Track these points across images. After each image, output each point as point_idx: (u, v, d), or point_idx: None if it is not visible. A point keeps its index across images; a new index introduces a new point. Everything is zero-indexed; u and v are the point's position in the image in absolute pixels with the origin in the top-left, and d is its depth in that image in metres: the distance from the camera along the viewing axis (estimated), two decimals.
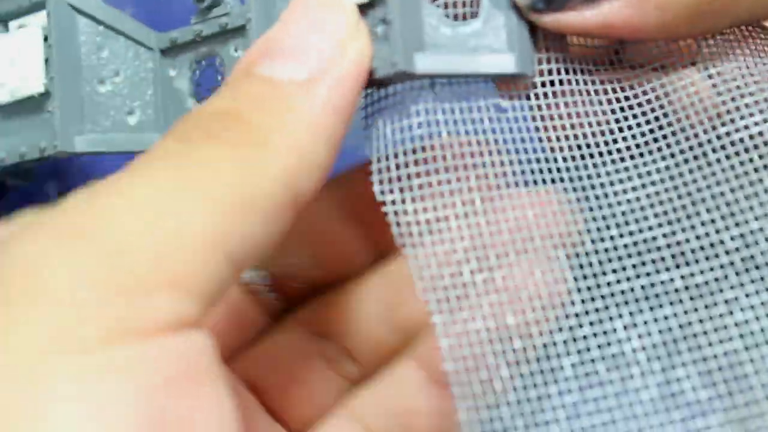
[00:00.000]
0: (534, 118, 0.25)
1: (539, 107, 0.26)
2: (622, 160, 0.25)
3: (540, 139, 0.26)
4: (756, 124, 0.24)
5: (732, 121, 0.25)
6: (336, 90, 0.22)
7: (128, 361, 0.17)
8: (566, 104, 0.26)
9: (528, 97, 0.26)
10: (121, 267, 0.18)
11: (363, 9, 0.24)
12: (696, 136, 0.25)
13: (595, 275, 0.24)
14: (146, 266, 0.18)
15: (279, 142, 0.21)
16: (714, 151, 0.25)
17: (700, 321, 0.23)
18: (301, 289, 0.29)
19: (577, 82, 0.26)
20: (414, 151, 0.24)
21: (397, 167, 0.24)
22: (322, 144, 0.22)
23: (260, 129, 0.21)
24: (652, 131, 0.26)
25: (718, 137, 0.25)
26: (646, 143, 0.25)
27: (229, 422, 0.19)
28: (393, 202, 0.24)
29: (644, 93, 0.26)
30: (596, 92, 0.26)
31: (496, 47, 0.25)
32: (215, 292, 0.19)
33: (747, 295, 0.23)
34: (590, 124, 0.26)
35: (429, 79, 0.25)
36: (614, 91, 0.26)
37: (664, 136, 0.25)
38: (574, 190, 0.25)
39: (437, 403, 0.27)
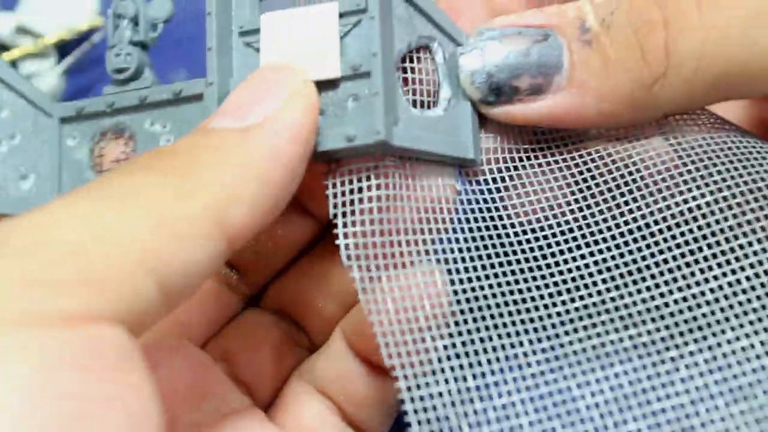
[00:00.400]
0: (488, 199, 0.28)
1: (490, 191, 0.28)
2: (571, 231, 0.27)
3: (492, 218, 0.28)
4: (694, 198, 0.27)
5: (672, 195, 0.27)
6: (274, 137, 0.24)
7: (27, 341, 0.19)
8: (521, 185, 0.28)
9: (478, 182, 0.28)
10: (40, 266, 0.20)
11: (334, 83, 0.26)
12: (639, 209, 0.27)
13: (549, 338, 0.26)
14: (63, 267, 0.20)
15: (208, 175, 0.23)
16: (656, 223, 0.27)
17: (648, 378, 0.25)
18: (268, 272, 0.32)
19: (531, 166, 0.28)
20: (381, 221, 0.26)
21: (364, 234, 0.26)
22: (255, 182, 0.23)
23: (192, 163, 0.23)
24: (597, 204, 0.28)
25: (660, 210, 0.27)
26: (592, 215, 0.28)
27: (139, 409, 0.20)
28: (359, 268, 0.25)
29: (603, 164, 0.28)
30: (551, 171, 0.28)
31: (456, 133, 0.28)
32: (135, 301, 0.20)
33: (691, 353, 0.25)
34: (542, 200, 0.28)
35: (398, 154, 0.27)
36: (567, 168, 0.28)
37: (609, 209, 0.27)
38: (526, 261, 0.27)
39: (362, 370, 0.29)
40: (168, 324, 0.29)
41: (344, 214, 0.26)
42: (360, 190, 0.26)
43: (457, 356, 0.25)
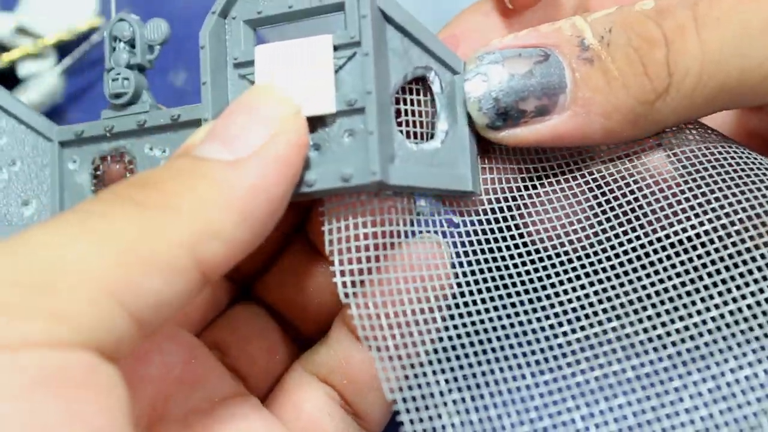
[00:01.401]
0: (486, 230, 0.28)
1: (488, 222, 0.28)
2: (570, 261, 0.27)
3: (491, 249, 0.28)
4: (693, 227, 0.26)
5: (672, 224, 0.27)
6: (260, 174, 0.23)
7: None
8: (519, 216, 0.28)
9: (477, 213, 0.28)
10: (6, 293, 0.20)
11: (330, 118, 0.25)
12: (639, 238, 0.27)
13: (551, 369, 0.25)
14: (30, 296, 0.20)
15: (187, 209, 0.22)
16: (655, 252, 0.27)
17: (653, 408, 0.25)
18: (256, 264, 0.32)
19: (530, 196, 0.28)
20: (377, 259, 0.26)
21: (360, 273, 0.26)
22: (235, 219, 0.23)
23: (171, 195, 0.23)
24: (596, 234, 0.28)
25: (659, 240, 0.27)
26: (591, 245, 0.28)
27: (105, 425, 0.20)
28: (357, 306, 0.25)
29: (606, 185, 0.28)
30: (548, 201, 0.29)
31: (454, 165, 0.27)
32: (103, 331, 0.20)
33: (695, 383, 0.25)
34: (539, 231, 0.28)
35: (394, 190, 0.26)
36: (570, 189, 0.28)
37: (608, 239, 0.27)
38: (526, 292, 0.27)
39: (365, 355, 0.28)
40: None
41: (340, 251, 0.26)
42: (356, 225, 0.26)
43: (459, 389, 0.25)
